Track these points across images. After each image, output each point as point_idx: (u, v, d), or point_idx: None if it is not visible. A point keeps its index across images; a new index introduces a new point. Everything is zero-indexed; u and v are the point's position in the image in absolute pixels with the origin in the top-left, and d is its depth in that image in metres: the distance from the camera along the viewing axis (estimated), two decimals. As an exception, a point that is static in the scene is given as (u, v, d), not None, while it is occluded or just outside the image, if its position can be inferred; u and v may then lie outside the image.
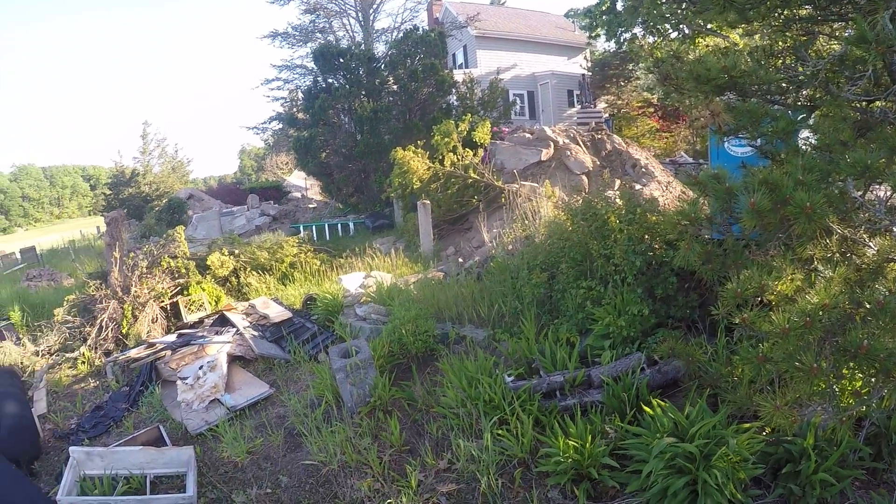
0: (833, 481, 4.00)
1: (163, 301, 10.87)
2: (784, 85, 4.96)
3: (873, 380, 3.56)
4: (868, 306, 3.52)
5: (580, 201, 7.63)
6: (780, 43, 5.46)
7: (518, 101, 29.73)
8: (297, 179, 40.75)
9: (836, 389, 3.73)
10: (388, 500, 4.79)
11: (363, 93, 20.59)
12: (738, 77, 4.54)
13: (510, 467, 4.95)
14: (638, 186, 13.71)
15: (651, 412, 4.70)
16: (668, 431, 4.36)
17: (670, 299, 6.27)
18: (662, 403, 4.74)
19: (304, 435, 5.93)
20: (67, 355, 9.86)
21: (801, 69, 4.73)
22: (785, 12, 4.96)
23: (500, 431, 5.11)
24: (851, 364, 3.47)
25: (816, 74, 4.50)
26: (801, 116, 4.69)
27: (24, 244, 31.33)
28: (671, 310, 6.27)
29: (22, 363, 9.70)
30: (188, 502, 5.22)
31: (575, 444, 4.63)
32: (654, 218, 6.62)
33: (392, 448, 5.54)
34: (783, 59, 5.47)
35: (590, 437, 4.68)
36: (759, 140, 4.66)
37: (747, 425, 4.38)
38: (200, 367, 7.50)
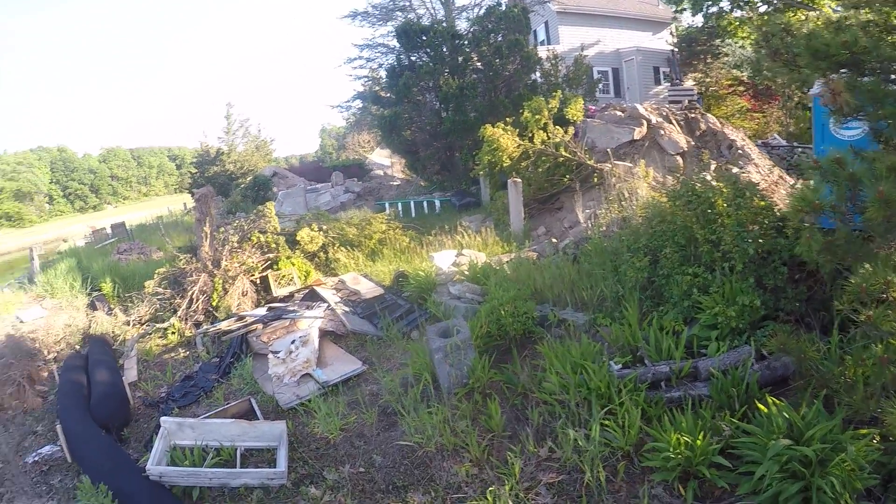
0: None
1: (253, 275, 10.92)
2: None
3: None
4: None
5: (680, 183, 7.25)
6: (893, 18, 4.93)
7: (602, 78, 28.78)
8: (380, 157, 41.00)
9: None
10: (490, 488, 4.59)
11: (447, 70, 20.26)
12: (858, 53, 4.25)
13: (614, 460, 4.74)
14: (735, 169, 12.93)
15: (766, 410, 4.43)
16: (783, 432, 4.12)
17: (779, 291, 5.91)
18: (777, 402, 4.49)
19: (400, 414, 5.77)
20: (158, 326, 10.06)
21: None
22: None
23: (606, 422, 4.88)
24: None
25: None
26: None
27: (115, 220, 32.54)
28: (780, 302, 5.90)
29: (113, 332, 9.94)
30: (279, 477, 5.13)
31: (686, 439, 4.39)
32: (760, 203, 6.28)
33: (491, 433, 5.33)
34: None
35: (700, 434, 4.44)
36: (880, 123, 4.34)
37: (864, 431, 4.10)
38: (292, 342, 7.42)
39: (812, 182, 4.48)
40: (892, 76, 4.57)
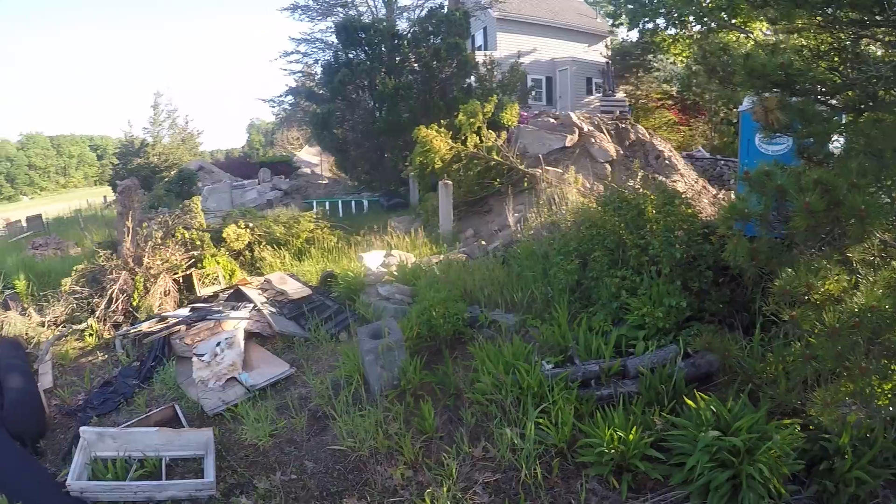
0: (867, 479, 4.03)
1: (176, 273, 10.57)
2: (831, 86, 4.91)
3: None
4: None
5: (609, 190, 7.50)
6: (824, 45, 5.28)
7: (536, 85, 29.36)
8: (308, 155, 40.48)
9: (875, 390, 3.68)
10: (427, 490, 4.56)
11: (384, 69, 20.23)
12: (793, 74, 4.56)
13: (548, 457, 4.80)
14: (661, 178, 13.36)
15: (693, 405, 4.62)
16: (712, 425, 4.34)
17: (704, 293, 6.17)
18: (704, 396, 4.69)
19: (332, 418, 5.67)
20: (75, 327, 9.57)
21: (859, 71, 4.69)
22: (838, 13, 4.83)
23: (540, 420, 4.97)
24: (893, 366, 3.57)
25: (871, 79, 4.49)
26: (844, 119, 4.86)
27: (30, 212, 31.10)
28: (704, 304, 6.16)
29: (27, 334, 9.39)
30: (207, 488, 4.94)
31: (619, 434, 4.54)
32: (688, 210, 6.57)
33: (425, 434, 5.31)
34: (828, 61, 5.30)
35: (632, 428, 4.59)
36: (806, 140, 4.68)
37: (787, 421, 4.36)
38: (217, 344, 7.21)
39: (737, 193, 4.72)
40: (821, 97, 4.89)
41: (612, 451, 4.44)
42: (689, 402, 4.65)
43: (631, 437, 4.47)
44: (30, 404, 6.66)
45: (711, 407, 4.49)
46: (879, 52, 4.92)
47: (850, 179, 3.64)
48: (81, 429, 5.47)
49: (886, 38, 4.82)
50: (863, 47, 5.15)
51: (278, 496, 4.86)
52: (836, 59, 5.01)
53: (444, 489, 4.52)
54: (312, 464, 5.24)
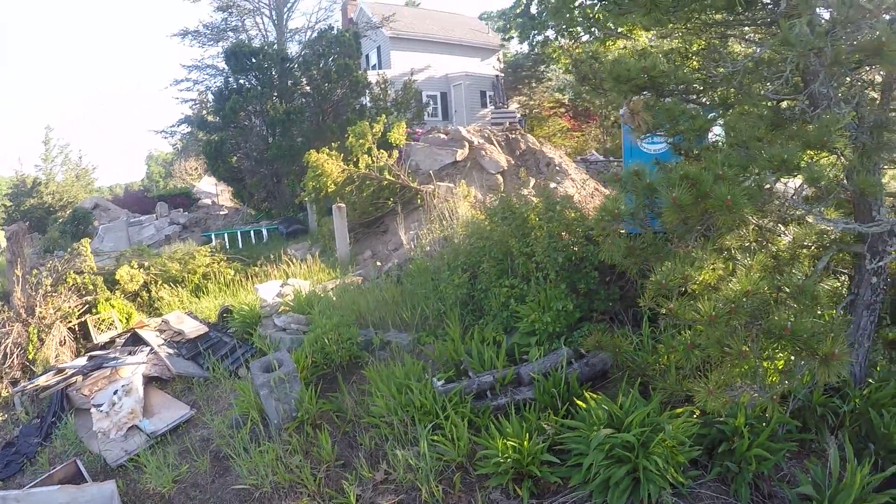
0: (767, 455, 4.16)
1: (70, 321, 10.33)
2: (699, 85, 5.20)
3: (794, 358, 3.83)
4: (788, 290, 3.81)
5: (497, 200, 7.71)
6: (695, 45, 5.68)
7: (431, 102, 29.73)
8: (208, 185, 39.50)
9: (762, 370, 3.94)
10: (329, 519, 4.66)
11: (275, 94, 20.20)
12: (657, 77, 4.78)
13: (449, 472, 4.94)
14: (553, 184, 13.92)
15: (584, 405, 4.77)
16: (604, 423, 4.46)
17: (593, 293, 6.44)
18: (595, 396, 4.85)
19: (232, 457, 5.74)
20: (-32, 387, 9.23)
21: (719, 70, 4.94)
22: (702, 16, 5.15)
23: (435, 437, 5.08)
24: (776, 345, 3.73)
25: (734, 75, 4.72)
26: (711, 115, 4.94)
27: None
28: (594, 304, 6.44)
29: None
30: (113, 542, 4.99)
31: (513, 443, 4.67)
32: (572, 214, 6.79)
33: (325, 463, 5.42)
34: (697, 61, 5.70)
35: (527, 435, 4.73)
36: (676, 137, 4.86)
37: (680, 410, 4.54)
38: (115, 392, 7.17)
39: (613, 193, 5.03)
40: (692, 96, 5.21)
41: (508, 459, 4.57)
42: (580, 403, 4.85)
43: (526, 444, 4.62)
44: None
45: (603, 405, 4.64)
46: (748, 50, 5.29)
47: (716, 171, 3.80)
48: (-18, 497, 5.42)
49: (756, 36, 5.20)
50: (730, 46, 5.58)
51: (186, 543, 4.90)
52: (702, 60, 5.37)
53: (347, 516, 4.63)
54: (218, 506, 5.29)
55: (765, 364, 4.08)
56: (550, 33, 26.67)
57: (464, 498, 4.72)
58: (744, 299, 3.63)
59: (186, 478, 5.84)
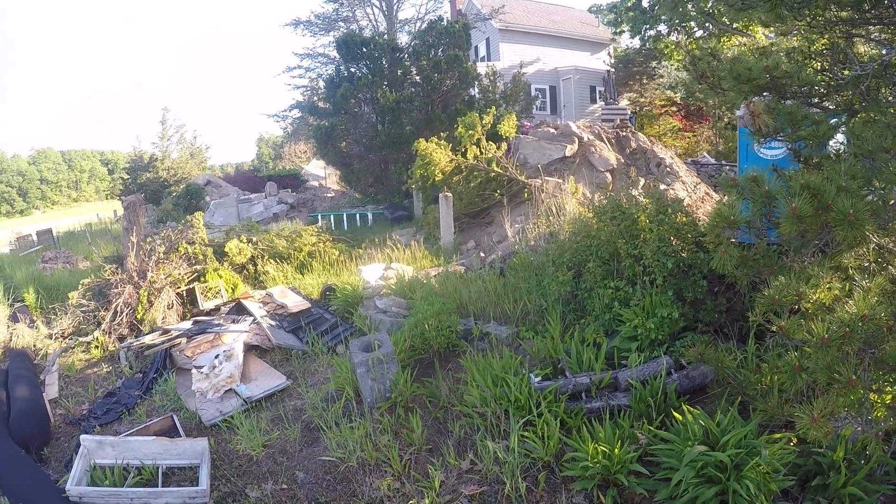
0: (862, 495, 3.88)
1: (179, 287, 10.73)
2: (822, 89, 4.83)
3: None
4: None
5: (606, 199, 7.46)
6: (817, 45, 5.27)
7: (540, 95, 29.33)
8: (315, 168, 40.72)
9: (869, 403, 3.65)
10: (411, 501, 4.65)
11: (386, 83, 20.35)
12: (779, 78, 4.46)
13: (534, 470, 4.79)
14: (662, 186, 13.39)
15: (681, 418, 4.58)
16: (699, 439, 4.26)
17: (699, 303, 6.12)
18: (693, 410, 4.63)
19: (323, 429, 5.75)
20: (81, 339, 9.76)
21: (846, 73, 4.60)
22: (826, 13, 4.78)
23: (525, 433, 4.95)
24: (887, 377, 3.50)
25: (860, 79, 4.36)
26: (834, 121, 4.62)
27: (41, 226, 31.39)
28: (699, 314, 6.12)
29: (35, 346, 9.60)
30: (201, 496, 5.04)
31: (604, 448, 4.48)
32: (683, 219, 6.50)
33: (413, 446, 5.37)
34: (819, 62, 5.29)
35: (619, 442, 4.55)
36: (798, 143, 4.61)
37: (778, 435, 4.29)
38: (216, 357, 7.33)
39: (728, 199, 4.73)
40: (814, 99, 4.82)
41: (597, 465, 4.39)
42: (677, 415, 4.63)
43: (616, 451, 4.42)
44: (35, 413, 6.82)
45: (699, 420, 4.42)
46: (873, 52, 4.85)
47: (838, 183, 3.56)
48: (82, 437, 5.59)
49: (882, 36, 4.78)
50: (855, 46, 5.16)
51: (269, 505, 4.95)
52: (828, 61, 4.96)
53: (427, 501, 4.59)
54: (303, 474, 5.33)
55: (872, 396, 3.72)
56: (663, 28, 25.97)
57: (546, 498, 4.57)
58: (859, 324, 3.33)
59: (276, 444, 5.89)
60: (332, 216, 20.03)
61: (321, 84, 29.91)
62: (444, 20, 23.07)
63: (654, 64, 29.79)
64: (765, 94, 4.69)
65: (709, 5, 20.27)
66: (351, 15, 34.60)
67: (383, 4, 34.57)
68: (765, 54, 4.72)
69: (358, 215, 20.28)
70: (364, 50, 20.56)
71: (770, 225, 4.26)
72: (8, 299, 12.11)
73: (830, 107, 4.83)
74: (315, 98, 31.63)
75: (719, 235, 4.51)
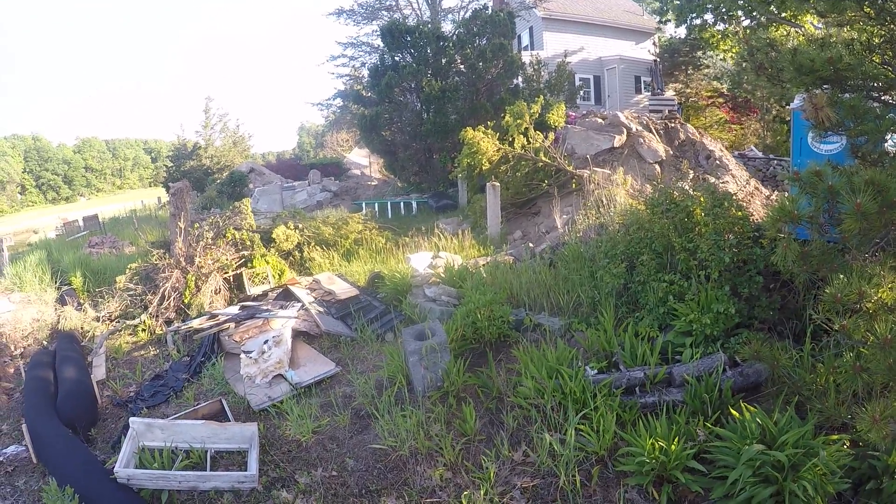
0: None
1: (226, 273, 10.78)
2: (883, 82, 4.70)
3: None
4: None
5: (658, 192, 7.31)
6: (877, 37, 5.04)
7: (584, 85, 28.93)
8: (357, 157, 40.93)
9: None
10: (465, 492, 4.56)
11: (430, 71, 20.27)
12: (842, 70, 4.39)
13: (587, 464, 4.73)
14: (712, 179, 13.05)
15: (738, 416, 4.51)
16: (757, 438, 4.21)
17: (754, 299, 5.97)
18: (750, 408, 4.56)
19: (374, 417, 5.70)
20: (128, 322, 9.87)
21: None
22: (887, 3, 4.61)
23: (581, 426, 4.88)
24: None
25: None
26: (891, 115, 4.48)
27: (87, 212, 32.09)
28: (754, 310, 5.96)
29: (82, 328, 9.72)
30: (250, 481, 5.01)
31: (661, 444, 4.41)
32: (739, 213, 6.33)
33: (465, 437, 5.29)
34: (879, 55, 5.07)
35: (675, 438, 4.47)
36: (859, 138, 4.50)
37: (835, 437, 4.22)
38: (265, 342, 7.30)
39: (789, 193, 4.55)
40: (874, 93, 4.71)
41: (653, 461, 4.33)
42: (735, 413, 4.54)
43: (673, 447, 4.36)
44: (83, 394, 6.86)
45: (757, 419, 4.37)
46: None
47: None
48: (131, 419, 5.60)
49: None
50: None
51: (318, 492, 4.90)
52: (889, 53, 4.82)
53: (482, 492, 4.52)
54: (353, 461, 5.27)
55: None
56: (709, 16, 25.37)
57: (599, 492, 4.51)
58: (925, 325, 3.19)
59: (325, 430, 5.84)
60: (376, 204, 20.11)
61: (364, 73, 30.01)
62: (489, 8, 22.89)
63: (699, 54, 29.06)
64: (825, 86, 4.59)
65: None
66: (394, 3, 34.63)
67: (427, -7, 34.51)
68: (825, 45, 4.62)
69: (402, 203, 20.32)
70: (408, 38, 20.53)
71: (831, 221, 4.13)
72: (56, 283, 12.33)
73: (890, 101, 4.72)
74: (358, 87, 31.74)
75: (780, 230, 4.40)
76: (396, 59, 21.13)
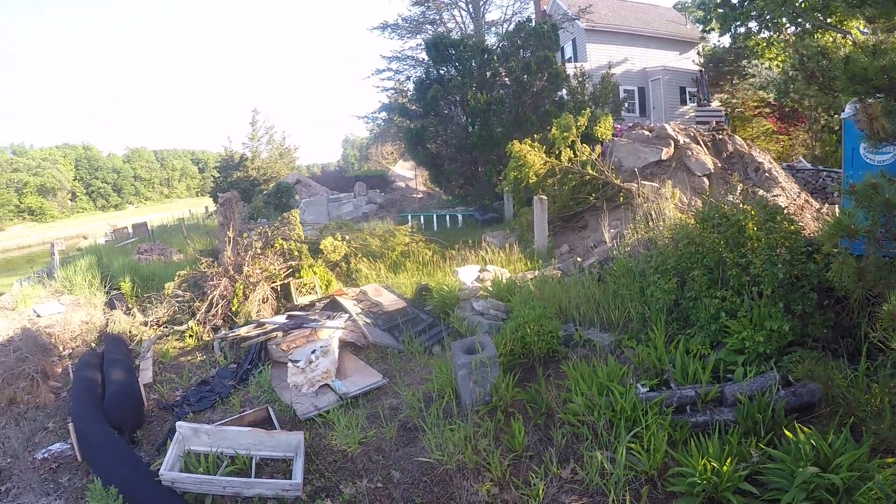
0: None
1: (274, 282, 10.90)
2: None
3: None
4: None
5: (708, 205, 7.15)
6: None
7: (629, 97, 28.72)
8: (402, 169, 41.20)
9: None
10: (513, 508, 4.48)
11: (475, 84, 20.35)
12: None
13: (636, 484, 4.59)
14: (762, 192, 12.74)
15: (793, 437, 4.37)
16: (811, 460, 4.08)
17: (807, 316, 5.78)
18: (804, 429, 4.42)
19: (421, 429, 5.64)
20: (176, 328, 10.06)
21: None
22: None
23: (631, 444, 4.77)
24: None
25: None
26: None
27: (137, 220, 32.87)
28: (808, 328, 5.77)
29: (130, 332, 9.95)
30: (294, 489, 5.01)
31: (713, 465, 4.28)
32: (791, 227, 6.18)
33: (513, 452, 5.20)
34: None
35: (727, 459, 4.34)
36: None
37: (890, 460, 4.11)
38: (313, 352, 7.32)
39: (842, 207, 4.41)
40: None
41: (705, 481, 4.21)
42: (789, 434, 4.41)
43: (725, 468, 4.24)
44: (129, 396, 7.00)
45: (811, 440, 4.24)
46: None
47: None
48: (177, 423, 5.68)
49: None
50: None
51: (363, 502, 4.88)
52: None
53: (530, 509, 4.42)
54: (399, 474, 5.23)
55: None
56: (753, 24, 24.88)
57: None
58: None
59: (372, 441, 5.81)
60: (422, 216, 20.23)
61: (409, 86, 30.25)
62: (532, 21, 22.88)
63: (744, 63, 28.56)
64: (878, 95, 4.51)
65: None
66: (438, 17, 35.02)
67: (470, 7, 34.76)
68: (878, 53, 4.50)
69: (448, 216, 20.40)
70: (453, 52, 20.66)
71: (888, 235, 4.10)
72: (105, 287, 12.62)
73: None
74: (403, 100, 32.01)
75: (836, 245, 4.38)
76: (441, 72, 21.29)
